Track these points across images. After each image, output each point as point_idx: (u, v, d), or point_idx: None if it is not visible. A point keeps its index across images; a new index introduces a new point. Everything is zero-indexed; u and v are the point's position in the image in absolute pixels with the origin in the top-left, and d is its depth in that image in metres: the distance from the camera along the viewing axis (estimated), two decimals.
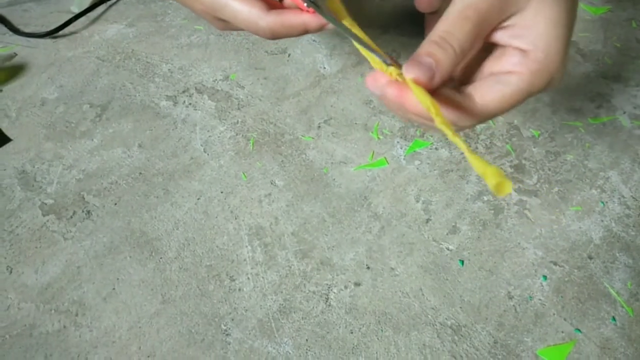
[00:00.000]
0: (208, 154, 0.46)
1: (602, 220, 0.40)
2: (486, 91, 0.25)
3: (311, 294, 0.37)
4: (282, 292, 0.37)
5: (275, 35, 0.31)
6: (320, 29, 0.30)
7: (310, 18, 0.29)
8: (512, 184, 0.21)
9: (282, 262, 0.39)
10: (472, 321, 0.36)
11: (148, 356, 0.34)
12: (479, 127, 0.47)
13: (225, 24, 0.34)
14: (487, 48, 0.27)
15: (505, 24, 0.25)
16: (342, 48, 0.56)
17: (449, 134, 0.22)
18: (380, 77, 0.25)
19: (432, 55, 0.24)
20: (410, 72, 0.23)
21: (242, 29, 0.33)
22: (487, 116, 0.25)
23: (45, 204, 0.43)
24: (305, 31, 0.30)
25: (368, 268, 0.38)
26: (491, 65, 0.26)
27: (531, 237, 0.40)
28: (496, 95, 0.24)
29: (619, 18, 0.58)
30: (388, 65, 0.25)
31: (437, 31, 0.24)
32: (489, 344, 0.34)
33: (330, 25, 0.30)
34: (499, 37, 0.26)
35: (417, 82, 0.23)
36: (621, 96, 0.50)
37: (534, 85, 0.25)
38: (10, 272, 0.39)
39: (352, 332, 0.35)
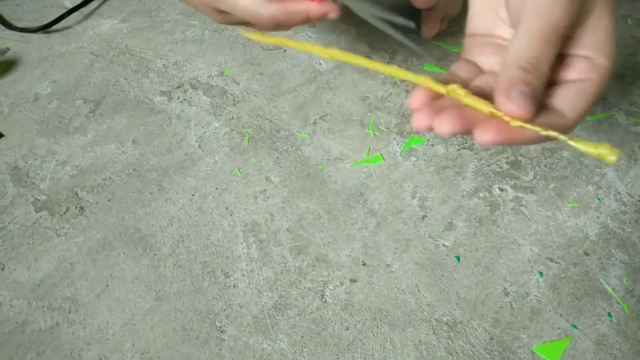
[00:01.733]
0: (203, 150, 0.46)
1: (598, 217, 0.40)
2: (573, 103, 0.25)
3: (307, 291, 0.37)
4: (277, 288, 0.37)
5: (276, 24, 0.30)
6: (322, 17, 0.30)
7: (313, 5, 0.29)
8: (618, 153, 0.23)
9: (277, 258, 0.39)
10: (468, 317, 0.35)
11: (142, 353, 0.34)
12: None
13: (224, 16, 0.33)
14: None
15: (569, 35, 0.26)
16: (338, 44, 0.55)
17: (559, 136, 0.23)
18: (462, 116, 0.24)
19: (530, 84, 0.23)
20: (514, 107, 0.23)
21: (241, 21, 0.32)
22: (576, 125, 0.25)
23: (38, 200, 0.42)
24: (307, 19, 0.30)
25: (364, 264, 0.38)
26: (563, 74, 0.26)
27: (527, 233, 0.40)
28: (583, 105, 0.25)
29: (616, 17, 0.58)
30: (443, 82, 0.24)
31: (524, 56, 0.24)
32: (485, 340, 0.34)
33: (332, 15, 0.29)
34: (563, 48, 0.26)
35: (522, 116, 0.23)
36: (617, 93, 0.50)
37: (603, 88, 0.25)
38: (3, 268, 0.38)
39: (347, 329, 0.35)
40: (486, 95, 0.25)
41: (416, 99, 0.25)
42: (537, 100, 0.23)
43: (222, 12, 0.33)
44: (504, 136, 0.23)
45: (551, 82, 0.26)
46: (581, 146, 0.23)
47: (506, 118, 0.23)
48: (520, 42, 0.24)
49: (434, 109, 0.24)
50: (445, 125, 0.23)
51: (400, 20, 0.25)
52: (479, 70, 0.29)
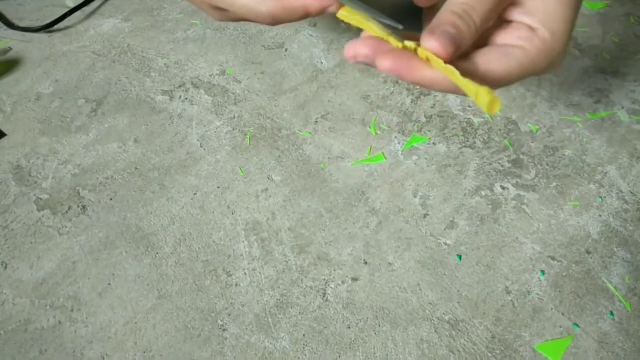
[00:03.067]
0: (205, 149, 0.46)
1: (601, 215, 0.40)
2: (491, 60, 0.24)
3: (308, 289, 0.37)
4: (279, 287, 0.37)
5: (275, 20, 0.30)
6: (321, 13, 0.29)
7: (311, 0, 0.29)
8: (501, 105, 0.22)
9: (279, 257, 0.39)
10: (470, 316, 0.35)
11: (144, 352, 0.34)
12: (476, 122, 0.47)
13: (223, 14, 0.33)
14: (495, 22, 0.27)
15: (518, 0, 0.25)
16: (340, 42, 0.55)
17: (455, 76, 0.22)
18: (374, 44, 0.24)
19: (456, 27, 0.23)
20: (435, 43, 0.23)
21: (241, 18, 0.32)
22: (487, 84, 0.25)
23: (41, 199, 0.42)
24: (306, 14, 0.29)
25: (366, 263, 0.38)
26: (498, 36, 0.26)
27: (529, 232, 0.40)
28: (500, 66, 0.24)
29: (617, 13, 0.58)
30: (398, 38, 0.24)
31: (457, 3, 0.24)
32: (486, 339, 0.34)
33: (332, 9, 0.29)
34: (511, 13, 0.26)
35: (440, 55, 0.23)
36: (619, 91, 0.49)
37: (536, 63, 0.25)
38: (5, 267, 0.38)
39: (349, 328, 0.35)
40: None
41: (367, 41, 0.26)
42: (458, 45, 0.23)
43: (220, 9, 0.32)
44: (399, 66, 0.23)
45: (489, 45, 0.26)
46: (464, 83, 0.22)
47: (422, 55, 0.23)
48: None
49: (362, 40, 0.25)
50: (360, 48, 0.24)
51: (388, 21, 0.26)
52: None
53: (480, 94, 0.21)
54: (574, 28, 0.26)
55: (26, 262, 0.39)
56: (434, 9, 0.53)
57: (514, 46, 0.25)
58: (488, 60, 0.24)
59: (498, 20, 0.26)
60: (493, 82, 0.25)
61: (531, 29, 0.25)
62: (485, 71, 0.24)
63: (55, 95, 0.51)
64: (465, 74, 0.23)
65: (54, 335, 0.35)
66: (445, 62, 0.23)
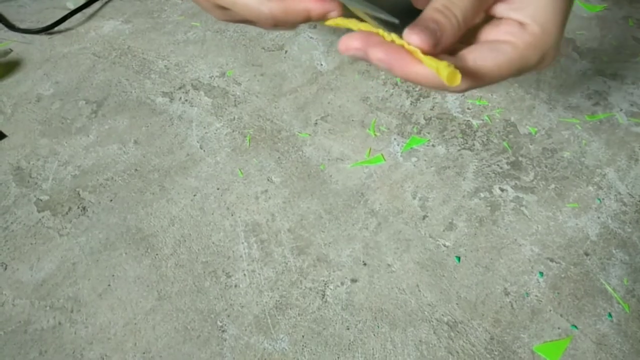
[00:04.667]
0: (204, 151, 0.46)
1: (599, 217, 0.41)
2: (479, 56, 0.25)
3: (307, 291, 0.37)
4: (278, 288, 0.37)
5: (276, 22, 0.30)
6: (322, 17, 0.29)
7: (313, 4, 0.29)
8: (460, 76, 0.22)
9: (278, 258, 0.39)
10: (468, 317, 0.35)
11: (144, 352, 0.34)
12: (475, 124, 0.47)
13: (225, 13, 0.33)
14: (485, 19, 0.27)
15: None
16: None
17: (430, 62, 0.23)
18: (366, 37, 0.25)
19: (437, 22, 0.23)
20: (415, 37, 0.23)
21: (242, 18, 0.32)
22: (476, 82, 0.25)
23: (41, 200, 0.42)
24: (307, 18, 0.29)
25: (364, 264, 0.38)
26: (487, 33, 0.26)
27: (528, 233, 0.40)
28: (489, 62, 0.24)
29: (615, 16, 0.58)
30: (388, 31, 0.25)
31: (440, 0, 0.24)
32: (485, 340, 0.34)
33: (334, 14, 0.29)
34: (499, 9, 0.26)
35: (421, 48, 0.23)
36: (618, 93, 0.50)
37: (526, 58, 0.25)
38: (5, 268, 0.38)
39: (348, 329, 0.35)
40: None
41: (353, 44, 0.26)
42: (438, 39, 0.23)
43: (222, 8, 0.32)
44: (391, 58, 0.23)
45: (478, 42, 0.26)
46: (426, 60, 0.23)
47: (432, 64, 0.23)
48: None
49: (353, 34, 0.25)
50: (352, 41, 0.24)
51: (384, 16, 0.26)
52: None
53: (440, 68, 0.22)
54: (566, 21, 0.26)
55: (26, 263, 0.39)
56: None
57: (502, 41, 0.25)
58: (477, 56, 0.25)
59: (487, 17, 0.27)
60: (483, 78, 0.25)
61: (520, 24, 0.25)
62: (474, 67, 0.24)
63: (56, 96, 0.51)
64: (456, 70, 0.23)
65: (53, 336, 0.35)
66: (425, 54, 0.23)
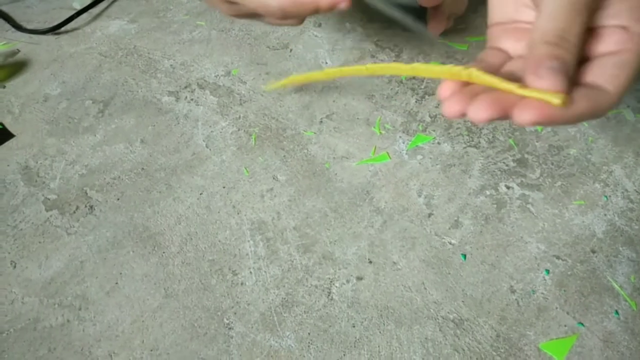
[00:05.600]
0: (210, 149, 0.46)
1: (606, 214, 0.40)
2: (614, 77, 0.23)
3: (313, 288, 0.37)
4: (284, 286, 0.37)
5: (285, 14, 0.30)
6: (331, 8, 0.29)
7: None
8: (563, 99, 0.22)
9: (284, 256, 0.39)
10: (474, 315, 0.35)
11: (151, 350, 0.34)
12: None
13: (233, 7, 0.33)
14: None
15: (600, 5, 0.25)
16: (344, 43, 0.56)
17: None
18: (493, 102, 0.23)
19: (558, 59, 0.22)
20: (546, 82, 0.22)
21: (251, 12, 0.32)
22: (618, 101, 0.24)
23: (49, 199, 0.43)
24: (316, 9, 0.29)
25: (370, 262, 0.38)
26: (595, 47, 0.25)
27: (534, 231, 0.40)
28: (626, 78, 0.23)
29: None
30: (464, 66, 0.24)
31: (549, 30, 0.23)
32: (491, 337, 0.34)
33: (342, 5, 0.29)
34: (596, 19, 0.25)
35: (555, 91, 0.22)
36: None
37: None
38: (14, 266, 0.39)
39: (354, 326, 0.35)
40: (518, 79, 0.24)
41: (446, 87, 0.25)
42: (568, 74, 0.22)
43: (231, 2, 0.32)
44: (542, 114, 0.22)
45: (587, 58, 0.25)
46: (531, 93, 0.22)
47: (537, 95, 0.22)
48: (545, 17, 0.23)
49: (465, 95, 0.24)
50: (480, 111, 0.23)
51: (409, 21, 0.26)
52: (507, 56, 0.28)
53: (546, 96, 0.22)
54: None
55: (35, 262, 0.39)
56: (438, 9, 0.53)
57: (619, 52, 0.24)
58: (609, 77, 0.24)
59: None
60: (621, 93, 0.24)
61: (622, 28, 0.24)
62: (615, 89, 0.23)
63: (63, 96, 0.51)
64: (589, 99, 0.23)
65: (62, 334, 0.35)
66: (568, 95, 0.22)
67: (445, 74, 0.25)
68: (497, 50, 0.29)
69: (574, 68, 0.23)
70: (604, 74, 0.24)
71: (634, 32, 0.24)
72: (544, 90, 0.22)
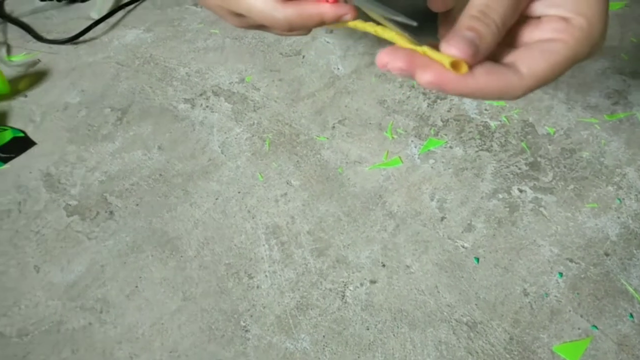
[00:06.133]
0: (225, 155, 0.47)
1: (619, 217, 0.40)
2: (533, 60, 0.24)
3: (327, 291, 0.38)
4: (299, 289, 0.38)
5: (291, 27, 0.30)
6: (336, 20, 0.30)
7: (327, 8, 0.29)
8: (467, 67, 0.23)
9: (298, 260, 0.40)
10: (487, 318, 0.36)
11: (170, 351, 0.35)
12: (493, 124, 0.48)
13: (242, 20, 0.33)
14: (519, 20, 0.26)
15: None
16: (356, 49, 0.56)
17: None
18: (410, 57, 0.24)
19: (474, 30, 0.23)
20: (453, 48, 0.23)
21: (258, 24, 0.32)
22: (534, 86, 0.24)
23: (70, 205, 0.44)
24: (321, 22, 0.30)
25: (383, 266, 0.39)
26: (530, 33, 0.25)
27: (547, 234, 0.40)
28: (545, 64, 0.24)
29: (635, 13, 0.58)
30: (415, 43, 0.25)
31: (475, 6, 0.24)
32: (504, 340, 0.35)
33: (347, 17, 0.29)
34: (535, 7, 0.25)
35: (461, 58, 0.23)
36: (638, 92, 0.49)
37: (578, 52, 0.24)
38: (38, 271, 0.40)
39: (368, 329, 0.36)
40: None
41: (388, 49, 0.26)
42: (478, 47, 0.23)
43: (238, 15, 0.33)
44: (439, 78, 0.23)
45: (522, 44, 0.25)
46: (435, 55, 0.23)
47: (443, 60, 0.23)
48: None
49: (394, 51, 0.25)
50: (397, 62, 0.24)
51: (401, 18, 0.26)
52: None
53: (443, 60, 0.23)
54: (608, 9, 0.25)
55: (57, 266, 0.40)
56: (449, 14, 0.53)
57: (551, 40, 0.24)
58: (528, 59, 0.24)
59: (523, 17, 0.26)
60: (539, 83, 0.24)
61: (564, 19, 0.24)
62: (528, 72, 0.24)
63: (82, 104, 0.53)
64: (501, 77, 0.23)
65: (84, 336, 0.37)
66: (470, 66, 0.23)
67: (402, 44, 0.26)
68: None
69: (490, 45, 0.24)
70: (525, 56, 0.24)
71: (574, 25, 0.24)
72: (447, 56, 0.23)
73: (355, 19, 0.30)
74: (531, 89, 0.24)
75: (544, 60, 0.24)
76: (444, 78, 0.23)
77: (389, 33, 0.26)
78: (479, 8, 0.24)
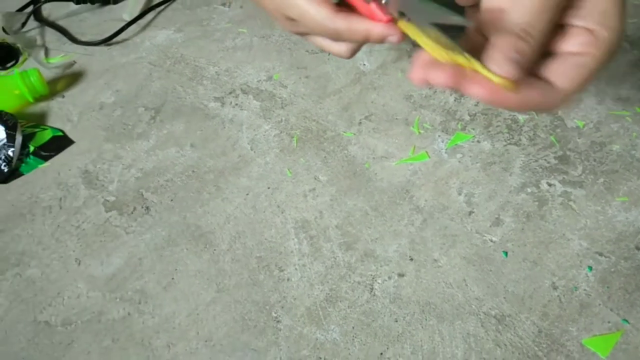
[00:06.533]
0: (255, 152, 0.48)
1: None
2: (567, 75, 0.25)
3: (356, 284, 0.39)
4: (328, 282, 0.39)
5: (339, 38, 0.31)
6: (382, 40, 0.30)
7: (375, 26, 0.29)
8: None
9: (327, 253, 0.41)
10: (516, 311, 0.36)
11: (205, 341, 0.37)
12: (521, 118, 0.47)
13: (293, 24, 0.34)
14: None
15: (572, 4, 0.26)
16: (381, 45, 0.57)
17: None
18: (455, 72, 0.25)
19: (520, 52, 0.24)
20: (501, 70, 0.24)
21: (308, 30, 0.33)
22: (569, 99, 0.26)
23: (108, 201, 0.46)
24: (367, 38, 0.30)
25: (411, 259, 0.40)
26: (558, 43, 0.26)
27: (576, 228, 0.40)
28: (578, 78, 0.25)
29: None
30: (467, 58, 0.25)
31: (518, 24, 0.24)
32: (533, 333, 0.35)
33: (393, 39, 0.29)
34: (565, 17, 0.26)
35: (507, 79, 0.24)
36: None
37: (604, 62, 0.25)
38: (79, 264, 0.42)
39: (396, 321, 0.37)
40: None
41: (419, 59, 0.26)
42: (524, 67, 0.24)
43: (290, 19, 0.34)
44: (489, 92, 0.24)
45: (551, 52, 0.26)
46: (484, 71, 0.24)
47: (492, 77, 0.24)
48: (516, 9, 0.25)
49: (433, 65, 0.25)
50: (439, 77, 0.25)
51: (456, 18, 0.26)
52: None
53: (497, 78, 0.24)
54: (625, 12, 0.26)
55: (97, 259, 0.42)
56: (476, 7, 0.53)
57: (580, 54, 0.25)
58: (562, 75, 0.25)
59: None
60: (573, 94, 0.25)
61: (589, 30, 0.25)
62: (563, 86, 0.25)
63: (117, 104, 0.55)
64: (540, 92, 0.25)
65: (124, 326, 0.38)
66: (515, 83, 0.24)
67: (443, 57, 0.26)
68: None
69: (533, 61, 0.25)
70: (560, 72, 0.25)
71: (599, 37, 0.25)
72: (496, 74, 0.24)
73: (400, 42, 0.30)
74: (566, 102, 0.26)
75: (577, 74, 0.25)
76: (495, 94, 0.24)
77: (445, 55, 0.27)
78: (523, 27, 0.24)
